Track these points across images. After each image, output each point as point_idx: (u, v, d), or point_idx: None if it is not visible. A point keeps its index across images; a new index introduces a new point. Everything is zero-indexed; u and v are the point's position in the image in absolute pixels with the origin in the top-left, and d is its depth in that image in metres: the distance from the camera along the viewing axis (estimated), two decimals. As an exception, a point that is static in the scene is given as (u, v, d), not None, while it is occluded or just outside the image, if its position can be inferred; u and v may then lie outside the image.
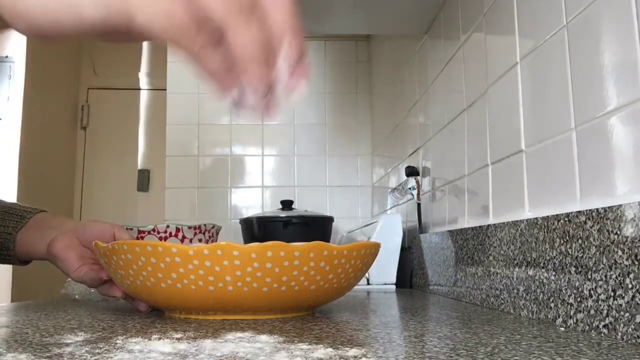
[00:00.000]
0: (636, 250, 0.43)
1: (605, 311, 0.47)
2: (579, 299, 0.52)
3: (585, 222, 0.51)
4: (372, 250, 0.64)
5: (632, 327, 0.44)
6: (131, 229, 1.04)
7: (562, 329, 0.53)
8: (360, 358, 0.38)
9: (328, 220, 1.67)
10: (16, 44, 2.50)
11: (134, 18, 0.34)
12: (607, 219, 0.47)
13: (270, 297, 0.58)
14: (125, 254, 0.59)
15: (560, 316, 0.55)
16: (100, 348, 0.41)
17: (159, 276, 0.58)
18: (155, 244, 0.57)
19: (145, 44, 3.73)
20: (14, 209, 0.79)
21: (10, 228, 0.78)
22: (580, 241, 0.52)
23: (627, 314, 0.44)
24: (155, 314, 0.67)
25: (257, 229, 1.60)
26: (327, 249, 0.58)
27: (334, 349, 0.42)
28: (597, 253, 0.49)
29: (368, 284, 1.19)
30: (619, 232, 0.45)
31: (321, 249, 0.57)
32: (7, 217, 0.78)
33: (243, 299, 0.58)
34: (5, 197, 2.81)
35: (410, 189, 1.21)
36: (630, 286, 0.44)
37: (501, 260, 0.70)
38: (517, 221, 0.66)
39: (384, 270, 1.18)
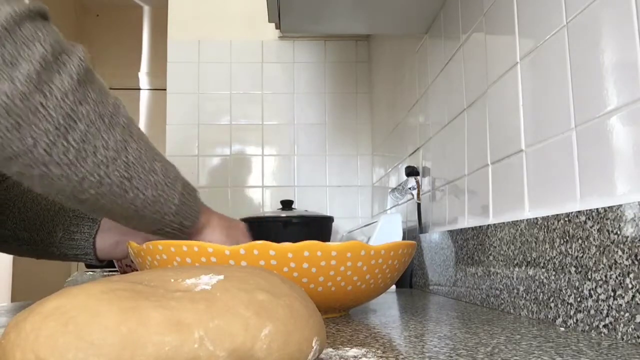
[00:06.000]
0: (636, 250, 0.43)
1: (605, 311, 0.47)
2: (579, 299, 0.52)
3: (585, 222, 0.51)
4: (409, 250, 0.64)
5: (632, 327, 0.44)
6: None
7: (562, 329, 0.53)
8: (360, 358, 0.38)
9: (328, 220, 1.67)
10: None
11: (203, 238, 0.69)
12: (607, 219, 0.47)
13: None
14: (160, 254, 0.58)
15: (560, 316, 0.55)
16: (100, 348, 0.41)
17: None
18: (190, 243, 0.56)
19: (145, 44, 3.73)
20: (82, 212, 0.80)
21: (86, 234, 0.79)
22: (580, 241, 0.51)
23: (627, 314, 0.44)
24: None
25: (257, 229, 1.60)
26: (364, 248, 0.57)
27: (334, 349, 0.42)
28: (597, 253, 0.49)
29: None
30: (619, 232, 0.45)
31: (358, 249, 0.57)
32: (81, 222, 0.79)
33: None
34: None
35: (410, 188, 1.21)
36: (630, 286, 0.44)
37: (501, 260, 0.70)
38: (517, 221, 0.66)
39: (384, 270, 1.18)
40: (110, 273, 1.41)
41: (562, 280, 0.55)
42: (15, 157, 0.49)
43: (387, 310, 0.73)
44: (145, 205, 0.59)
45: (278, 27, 1.18)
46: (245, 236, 0.74)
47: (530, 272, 0.62)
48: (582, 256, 0.51)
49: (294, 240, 0.57)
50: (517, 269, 0.65)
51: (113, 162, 0.54)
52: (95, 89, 0.53)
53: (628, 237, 0.44)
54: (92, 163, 0.53)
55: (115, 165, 0.55)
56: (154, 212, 0.60)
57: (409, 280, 1.20)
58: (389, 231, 1.19)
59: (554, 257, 0.56)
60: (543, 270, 0.59)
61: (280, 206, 1.66)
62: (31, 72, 0.47)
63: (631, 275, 0.44)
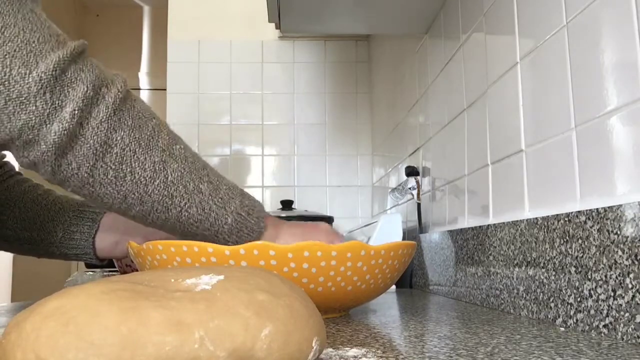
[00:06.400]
0: (636, 250, 0.43)
1: (605, 311, 0.47)
2: (579, 299, 0.52)
3: (585, 222, 0.51)
4: (409, 250, 0.64)
5: (632, 327, 0.44)
6: None
7: (562, 329, 0.53)
8: (360, 358, 0.38)
9: (328, 220, 1.67)
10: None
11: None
12: (607, 219, 0.47)
13: None
14: (161, 254, 0.58)
15: (560, 316, 0.55)
16: (101, 348, 0.41)
17: None
18: (190, 243, 0.56)
19: (145, 44, 3.73)
20: (84, 211, 0.82)
21: (86, 234, 0.80)
22: (580, 241, 0.52)
23: (627, 314, 0.44)
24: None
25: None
26: (364, 249, 0.57)
27: (334, 349, 0.42)
28: (597, 253, 0.49)
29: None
30: (619, 232, 0.45)
31: (358, 249, 0.57)
32: (80, 221, 0.81)
33: None
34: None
35: (410, 188, 1.21)
36: (630, 286, 0.44)
37: (501, 260, 0.70)
38: (517, 221, 0.66)
39: (384, 270, 1.18)
40: (110, 273, 1.41)
41: (562, 280, 0.55)
42: (66, 180, 0.57)
43: (387, 310, 0.73)
44: (191, 222, 0.62)
45: (278, 27, 1.18)
46: (329, 236, 0.68)
47: (530, 272, 0.62)
48: (582, 256, 0.51)
49: None
50: (517, 269, 0.65)
51: (152, 182, 0.59)
52: (133, 115, 0.58)
53: (628, 237, 0.44)
54: (130, 182, 0.58)
55: (154, 185, 0.59)
56: (204, 229, 0.63)
57: (409, 280, 1.20)
58: (389, 231, 1.19)
59: (554, 257, 0.56)
60: (543, 270, 0.59)
61: (280, 206, 1.66)
62: (75, 109, 0.53)
63: (631, 275, 0.44)
